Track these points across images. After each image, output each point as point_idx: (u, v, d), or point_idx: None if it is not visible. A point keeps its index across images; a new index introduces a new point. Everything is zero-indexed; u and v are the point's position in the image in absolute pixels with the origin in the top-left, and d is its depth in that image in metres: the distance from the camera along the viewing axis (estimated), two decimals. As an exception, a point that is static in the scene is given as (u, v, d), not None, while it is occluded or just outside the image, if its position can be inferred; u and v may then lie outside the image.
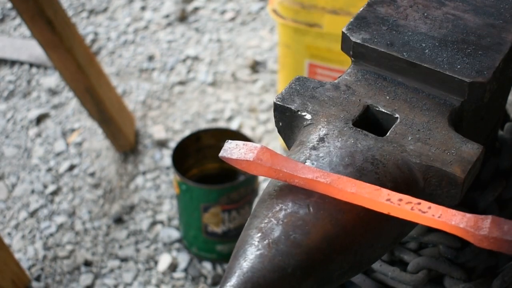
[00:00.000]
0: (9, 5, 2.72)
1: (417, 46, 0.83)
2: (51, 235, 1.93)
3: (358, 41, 0.84)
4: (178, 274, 1.83)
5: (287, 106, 0.80)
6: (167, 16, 2.69)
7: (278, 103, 0.81)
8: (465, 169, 0.73)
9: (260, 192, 1.86)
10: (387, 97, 0.81)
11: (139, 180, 2.06)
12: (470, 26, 0.85)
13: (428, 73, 0.81)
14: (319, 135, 0.76)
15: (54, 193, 2.04)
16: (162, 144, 2.17)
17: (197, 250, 1.85)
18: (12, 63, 2.51)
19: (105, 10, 2.74)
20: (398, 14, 0.88)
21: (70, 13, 2.70)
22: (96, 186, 2.05)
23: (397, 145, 0.76)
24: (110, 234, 1.93)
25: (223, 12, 2.71)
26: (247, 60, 2.46)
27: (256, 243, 0.67)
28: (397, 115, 0.79)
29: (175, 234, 1.91)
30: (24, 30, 2.62)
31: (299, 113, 0.80)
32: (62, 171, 2.10)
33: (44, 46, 1.81)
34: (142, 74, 2.45)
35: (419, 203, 0.68)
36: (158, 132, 2.21)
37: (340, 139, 0.76)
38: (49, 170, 2.11)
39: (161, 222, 1.95)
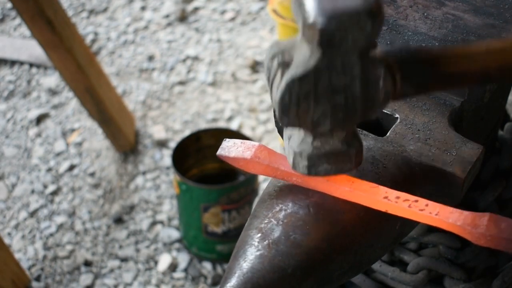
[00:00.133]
0: (9, 5, 2.72)
1: (417, 46, 0.83)
2: (51, 235, 1.93)
3: (358, 41, 0.84)
4: (178, 274, 1.83)
5: (287, 106, 0.80)
6: (167, 16, 2.69)
7: (278, 103, 0.81)
8: (465, 169, 0.73)
9: (260, 192, 1.86)
10: (387, 97, 0.81)
11: (139, 180, 2.06)
12: (470, 26, 0.85)
13: (428, 73, 0.80)
14: (319, 135, 0.76)
15: (54, 193, 2.04)
16: (162, 144, 2.17)
17: (197, 250, 1.85)
18: (12, 63, 2.51)
19: (105, 10, 2.74)
20: (398, 14, 0.88)
21: (70, 13, 2.70)
22: (96, 186, 2.05)
23: (397, 145, 0.76)
24: (110, 234, 1.93)
25: (223, 12, 2.71)
26: (247, 60, 2.46)
27: (256, 243, 0.67)
28: (397, 115, 0.79)
29: (175, 234, 1.91)
30: (24, 30, 2.62)
31: (299, 113, 0.80)
32: (62, 171, 2.10)
33: (44, 46, 1.81)
34: (142, 74, 2.45)
35: (416, 201, 0.68)
36: (158, 132, 2.21)
37: (340, 139, 0.75)
38: (49, 170, 2.11)
39: (161, 222, 1.95)
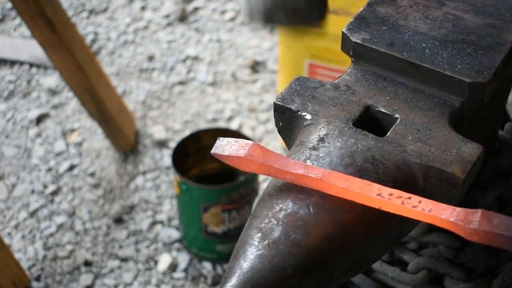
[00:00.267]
0: (9, 5, 2.72)
1: (417, 46, 0.83)
2: (51, 235, 1.93)
3: (358, 41, 0.84)
4: (178, 274, 1.83)
5: (287, 106, 0.80)
6: (167, 16, 2.69)
7: (278, 103, 0.81)
8: (465, 169, 0.73)
9: (260, 192, 1.86)
10: (387, 97, 0.81)
11: (139, 180, 2.06)
12: (470, 26, 0.85)
13: (428, 73, 0.81)
14: (319, 135, 0.76)
15: (54, 193, 2.04)
16: (162, 144, 2.17)
17: (197, 250, 1.85)
18: (12, 63, 2.51)
19: (105, 10, 2.74)
20: (398, 14, 0.88)
21: (70, 13, 2.70)
22: (96, 186, 2.05)
23: (397, 145, 0.76)
24: (110, 234, 1.93)
25: (223, 12, 2.71)
26: (247, 60, 2.46)
27: (256, 243, 0.67)
28: (397, 115, 0.79)
29: (175, 234, 1.91)
30: (24, 30, 2.62)
31: (299, 113, 0.80)
32: (62, 171, 2.10)
33: (44, 46, 1.81)
34: (142, 74, 2.45)
35: (409, 198, 0.68)
36: (158, 132, 2.21)
37: (340, 139, 0.76)
38: (49, 170, 2.11)
39: (161, 222, 1.95)
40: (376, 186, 0.69)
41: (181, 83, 2.40)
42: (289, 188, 0.71)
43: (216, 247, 1.83)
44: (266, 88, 2.37)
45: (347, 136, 0.76)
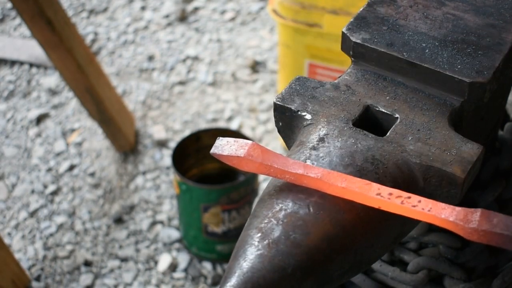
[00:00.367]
0: (9, 5, 2.73)
1: (417, 46, 0.83)
2: (51, 235, 1.93)
3: (358, 41, 0.84)
4: (178, 274, 1.83)
5: (287, 106, 0.80)
6: (167, 16, 2.69)
7: (278, 103, 0.81)
8: (465, 169, 0.73)
9: (260, 192, 1.86)
10: (387, 97, 0.81)
11: (139, 180, 2.06)
12: (470, 26, 0.85)
13: (428, 73, 0.80)
14: (319, 135, 0.76)
15: (54, 193, 2.04)
16: (162, 144, 2.17)
17: (197, 250, 1.85)
18: (12, 63, 2.51)
19: (105, 10, 2.74)
20: (398, 14, 0.88)
21: (70, 13, 2.70)
22: (96, 186, 2.05)
23: (397, 145, 0.76)
24: (110, 234, 1.93)
25: (223, 12, 2.71)
26: (247, 60, 2.46)
27: (256, 243, 0.67)
28: (397, 115, 0.79)
29: (175, 234, 1.91)
30: (24, 30, 2.62)
31: (299, 113, 0.80)
32: (62, 171, 2.10)
33: (44, 46, 1.81)
34: (142, 74, 2.45)
35: (409, 197, 0.68)
36: (158, 132, 2.21)
37: (340, 139, 0.76)
38: (49, 170, 2.11)
39: (161, 222, 1.95)
40: (375, 185, 0.69)
41: (181, 83, 2.40)
42: (289, 188, 0.71)
43: (216, 247, 1.83)
44: (266, 88, 2.37)
45: (347, 136, 0.76)
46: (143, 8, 2.73)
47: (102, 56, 2.52)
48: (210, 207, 1.73)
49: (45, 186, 2.06)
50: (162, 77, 2.42)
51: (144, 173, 2.09)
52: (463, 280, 0.94)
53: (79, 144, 2.19)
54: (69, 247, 1.89)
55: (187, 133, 2.18)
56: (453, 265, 0.94)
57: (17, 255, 1.87)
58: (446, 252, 0.94)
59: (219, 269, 1.84)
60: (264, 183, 1.95)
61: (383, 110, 0.80)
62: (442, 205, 0.67)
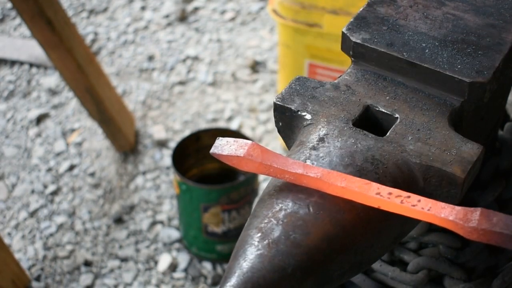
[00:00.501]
0: (9, 5, 2.73)
1: (417, 46, 0.83)
2: (51, 235, 1.93)
3: (358, 41, 0.84)
4: (178, 274, 1.83)
5: (287, 106, 0.80)
6: (167, 16, 2.69)
7: (278, 103, 0.81)
8: (465, 169, 0.73)
9: (260, 192, 1.86)
10: (387, 97, 0.81)
11: (139, 180, 2.06)
12: (470, 26, 0.85)
13: (428, 73, 0.80)
14: (319, 135, 0.76)
15: (54, 193, 2.04)
16: (162, 144, 2.17)
17: (197, 250, 1.85)
18: (12, 63, 2.51)
19: (105, 10, 2.74)
20: (398, 14, 0.88)
21: (70, 13, 2.70)
22: (96, 186, 2.05)
23: (397, 145, 0.76)
24: (110, 234, 1.93)
25: (223, 12, 2.71)
26: (247, 60, 2.46)
27: (256, 243, 0.67)
28: (397, 115, 0.79)
29: (175, 234, 1.91)
30: (24, 30, 2.62)
31: (299, 113, 0.80)
32: (62, 171, 2.10)
33: (44, 46, 1.81)
34: (142, 74, 2.45)
35: (408, 197, 0.68)
36: (158, 132, 2.21)
37: (340, 139, 0.76)
38: (49, 170, 2.11)
39: (161, 222, 1.95)
40: (375, 185, 0.69)
41: (181, 83, 2.40)
42: (289, 188, 0.71)
43: (216, 247, 1.83)
44: (266, 88, 2.37)
45: (347, 136, 0.76)
46: (143, 8, 2.73)
47: (102, 56, 2.52)
48: (210, 207, 1.73)
49: (45, 186, 2.06)
50: (162, 77, 2.42)
51: (144, 173, 2.09)
52: (463, 280, 0.94)
53: (79, 144, 2.19)
54: (69, 247, 1.89)
55: (187, 133, 2.18)
56: (453, 265, 0.94)
57: (17, 255, 1.87)
58: (446, 252, 0.94)
59: (219, 269, 1.84)
60: (264, 183, 1.95)
61: (383, 110, 0.80)
62: (442, 204, 0.67)
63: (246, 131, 2.19)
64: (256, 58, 2.48)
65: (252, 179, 1.76)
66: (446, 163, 0.74)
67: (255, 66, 2.45)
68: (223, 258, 1.85)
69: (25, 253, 1.88)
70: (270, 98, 2.31)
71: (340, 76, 0.85)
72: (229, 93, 2.35)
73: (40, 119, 2.28)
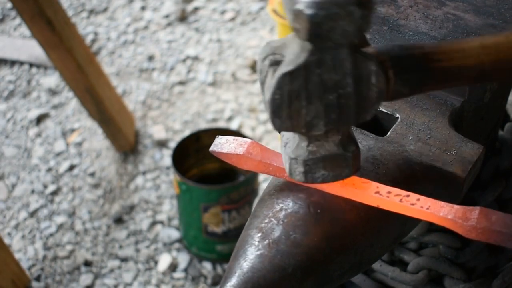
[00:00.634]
0: (9, 5, 2.72)
1: (417, 46, 0.83)
2: (51, 235, 1.93)
3: (359, 41, 0.84)
4: (178, 274, 1.83)
5: (287, 106, 0.80)
6: (167, 16, 2.69)
7: (278, 103, 0.81)
8: (465, 169, 0.73)
9: (260, 192, 1.86)
10: (388, 97, 0.81)
11: (139, 180, 2.06)
12: (470, 26, 0.85)
13: (429, 73, 0.80)
14: (319, 135, 0.76)
15: (54, 193, 2.04)
16: (162, 144, 2.17)
17: (197, 250, 1.85)
18: (12, 63, 2.51)
19: (105, 10, 2.74)
20: (399, 14, 0.88)
21: (70, 13, 2.70)
22: (96, 186, 2.05)
23: (397, 145, 0.76)
24: (110, 234, 1.93)
25: (223, 12, 2.71)
26: (247, 60, 2.46)
27: (256, 243, 0.67)
28: (397, 115, 0.79)
29: (175, 234, 1.91)
30: (24, 30, 2.62)
31: (299, 113, 0.80)
32: (62, 171, 2.10)
33: (44, 46, 1.81)
34: (142, 74, 2.45)
35: (407, 196, 0.68)
36: (158, 132, 2.21)
37: (340, 139, 0.75)
38: (49, 170, 2.11)
39: (161, 222, 1.95)
40: (374, 184, 0.69)
41: (181, 83, 2.40)
42: (289, 188, 0.71)
43: (216, 247, 1.83)
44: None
45: (347, 136, 0.76)
46: (143, 8, 2.73)
47: (102, 56, 2.52)
48: (210, 207, 1.73)
49: (45, 186, 2.06)
50: (162, 77, 2.42)
51: (144, 173, 2.09)
52: (463, 280, 0.94)
53: (79, 144, 2.19)
54: (69, 247, 1.89)
55: (187, 133, 2.18)
56: (453, 265, 0.94)
57: (17, 255, 1.87)
58: (446, 252, 0.94)
59: (219, 269, 1.84)
60: (264, 183, 1.95)
61: (384, 110, 0.80)
62: (441, 203, 0.67)
63: (246, 131, 2.19)
64: (256, 58, 2.48)
65: (252, 179, 1.75)
66: (447, 163, 0.74)
67: (255, 66, 2.45)
68: (223, 258, 1.85)
69: (25, 253, 1.88)
70: (270, 98, 2.31)
71: (340, 76, 0.85)
72: (229, 93, 2.35)
73: (40, 119, 2.28)
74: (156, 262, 1.86)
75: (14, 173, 2.11)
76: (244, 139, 0.73)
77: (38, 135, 2.23)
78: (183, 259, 1.86)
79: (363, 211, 0.70)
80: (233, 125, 2.22)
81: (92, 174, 2.09)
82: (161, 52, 2.53)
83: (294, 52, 0.62)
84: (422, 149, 0.75)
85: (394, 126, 0.78)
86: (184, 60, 2.49)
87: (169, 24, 2.65)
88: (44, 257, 1.87)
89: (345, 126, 0.66)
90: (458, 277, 0.94)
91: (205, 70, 2.44)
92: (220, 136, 0.75)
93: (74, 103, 2.32)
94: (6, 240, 1.91)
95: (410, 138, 0.77)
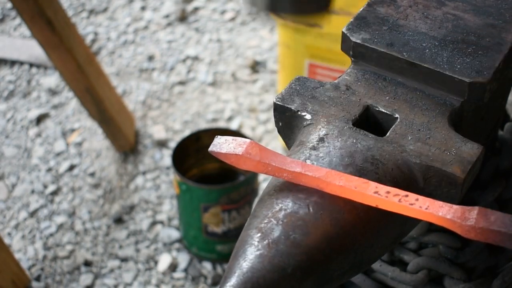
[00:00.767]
0: (9, 5, 2.72)
1: (417, 46, 0.83)
2: (51, 235, 1.93)
3: (358, 41, 0.84)
4: (178, 274, 1.83)
5: (287, 106, 0.80)
6: (167, 16, 2.69)
7: (278, 103, 0.81)
8: (465, 169, 0.73)
9: (260, 192, 1.86)
10: (387, 97, 0.81)
11: (139, 180, 2.06)
12: (470, 26, 0.85)
13: (428, 73, 0.81)
14: (319, 135, 0.76)
15: (54, 193, 2.04)
16: (162, 144, 2.17)
17: (197, 250, 1.85)
18: (12, 63, 2.51)
19: (105, 10, 2.74)
20: (398, 14, 0.88)
21: (70, 13, 2.70)
22: (96, 186, 2.05)
23: (397, 145, 0.76)
24: (110, 234, 1.93)
25: (223, 12, 2.71)
26: (247, 60, 2.46)
27: (256, 243, 0.67)
28: (397, 115, 0.79)
29: (175, 234, 1.91)
30: (24, 30, 2.62)
31: (299, 113, 0.80)
32: (62, 171, 2.10)
33: (44, 46, 1.81)
34: (142, 74, 2.45)
35: (406, 196, 0.68)
36: (158, 132, 2.21)
37: (340, 139, 0.76)
38: (49, 170, 2.11)
39: (161, 222, 1.95)
40: (373, 184, 0.69)
41: (181, 83, 2.40)
42: (289, 188, 0.71)
43: (216, 247, 1.83)
44: (266, 88, 2.37)
45: (347, 136, 0.76)
46: (143, 8, 2.73)
47: (102, 56, 2.52)
48: (210, 207, 1.73)
49: (45, 186, 2.06)
50: (162, 77, 2.42)
51: (144, 173, 2.09)
52: (463, 280, 0.94)
53: (79, 144, 2.19)
54: (69, 247, 1.89)
55: (187, 133, 2.18)
56: (453, 265, 0.94)
57: (17, 255, 1.87)
58: (446, 252, 0.94)
59: (219, 269, 1.84)
60: (264, 183, 1.95)
61: (383, 110, 0.80)
62: (440, 203, 0.67)
63: (246, 131, 2.19)
64: (256, 58, 2.48)
65: (252, 179, 1.76)
66: (446, 163, 0.74)
67: (255, 66, 2.45)
68: (223, 258, 1.85)
69: (25, 253, 1.88)
70: (270, 98, 2.31)
71: (340, 76, 0.85)
72: (229, 93, 2.35)
73: (40, 119, 2.28)
74: (156, 262, 1.86)
75: (14, 173, 2.11)
76: (243, 139, 0.73)
77: (38, 135, 2.23)
78: (183, 259, 1.86)
79: (363, 212, 0.70)
80: (233, 125, 2.22)
81: (92, 174, 2.09)
82: (161, 52, 2.53)
83: None
84: (421, 149, 0.75)
85: (394, 126, 0.78)
86: (184, 60, 2.49)
87: (169, 24, 2.65)
88: (44, 257, 1.87)
89: None
90: (458, 277, 0.94)
91: (205, 70, 2.44)
92: (219, 136, 0.75)
93: (74, 103, 2.32)
94: (6, 240, 1.91)
95: (410, 138, 0.77)
